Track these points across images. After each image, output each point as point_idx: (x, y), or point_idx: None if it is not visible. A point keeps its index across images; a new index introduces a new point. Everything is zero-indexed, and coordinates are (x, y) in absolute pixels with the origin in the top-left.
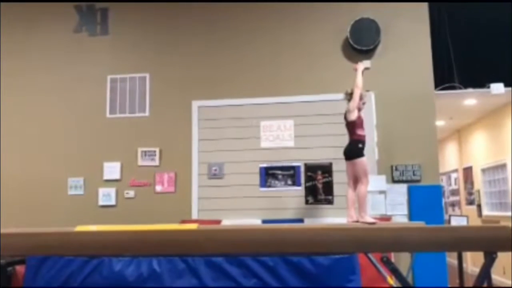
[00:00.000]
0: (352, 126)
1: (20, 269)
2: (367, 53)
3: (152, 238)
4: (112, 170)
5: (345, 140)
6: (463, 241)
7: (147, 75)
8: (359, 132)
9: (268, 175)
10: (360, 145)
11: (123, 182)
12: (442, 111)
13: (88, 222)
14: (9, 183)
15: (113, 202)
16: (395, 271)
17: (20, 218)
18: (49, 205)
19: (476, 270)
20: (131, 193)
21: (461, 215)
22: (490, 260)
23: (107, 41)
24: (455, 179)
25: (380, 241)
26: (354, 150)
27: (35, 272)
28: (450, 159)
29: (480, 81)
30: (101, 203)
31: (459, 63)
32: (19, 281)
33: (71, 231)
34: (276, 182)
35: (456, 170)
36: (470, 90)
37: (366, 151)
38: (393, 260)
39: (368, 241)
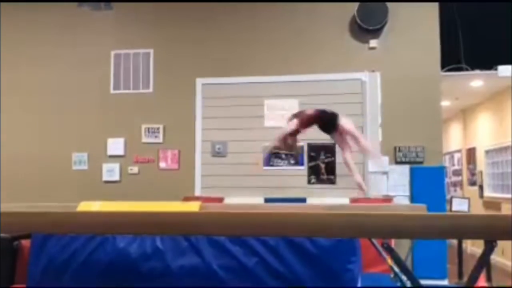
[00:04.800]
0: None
1: (25, 243)
2: (374, 33)
3: (155, 220)
4: (116, 146)
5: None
6: (464, 229)
7: (151, 51)
8: None
9: (271, 154)
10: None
11: (127, 158)
12: (448, 92)
13: (92, 197)
14: (14, 158)
15: (117, 178)
16: (395, 258)
17: (25, 192)
18: (54, 179)
19: (475, 249)
20: (135, 169)
21: (462, 197)
22: (489, 248)
23: (111, 16)
24: (458, 160)
25: (381, 228)
26: None
27: (40, 247)
28: (454, 139)
29: (487, 63)
30: (105, 178)
31: (467, 44)
32: (25, 255)
33: (73, 212)
34: (279, 161)
35: (459, 151)
36: (477, 71)
37: (370, 131)
38: (393, 242)
39: (369, 228)
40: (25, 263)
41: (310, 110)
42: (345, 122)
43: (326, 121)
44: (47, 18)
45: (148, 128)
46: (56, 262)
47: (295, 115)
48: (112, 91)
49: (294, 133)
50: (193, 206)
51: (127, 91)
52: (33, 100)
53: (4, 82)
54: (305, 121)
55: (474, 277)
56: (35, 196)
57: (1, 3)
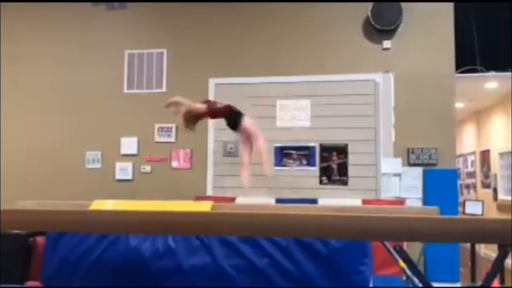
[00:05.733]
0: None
1: (40, 240)
2: (388, 34)
3: (167, 219)
4: (129, 145)
5: (362, 121)
6: (478, 233)
7: (165, 51)
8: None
9: (283, 154)
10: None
11: (140, 157)
12: (462, 94)
13: (105, 195)
14: (29, 156)
15: (129, 177)
16: (407, 261)
17: (40, 190)
18: (68, 177)
19: (489, 252)
20: (147, 168)
21: (476, 200)
22: (504, 252)
23: (125, 15)
24: (472, 162)
25: (392, 231)
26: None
27: (55, 244)
28: (467, 141)
29: (502, 65)
30: (118, 177)
31: (482, 45)
32: (40, 252)
33: (86, 210)
34: (291, 161)
35: (473, 153)
36: (492, 73)
37: (383, 132)
38: (405, 244)
39: (380, 231)
40: (40, 260)
41: (221, 104)
42: (248, 122)
43: (232, 118)
44: (62, 18)
45: (161, 128)
46: (70, 259)
47: (207, 101)
48: (125, 91)
49: (199, 116)
50: (205, 206)
51: (140, 90)
52: (47, 99)
53: (19, 81)
54: (215, 111)
55: (488, 281)
56: (49, 194)
57: (18, 3)
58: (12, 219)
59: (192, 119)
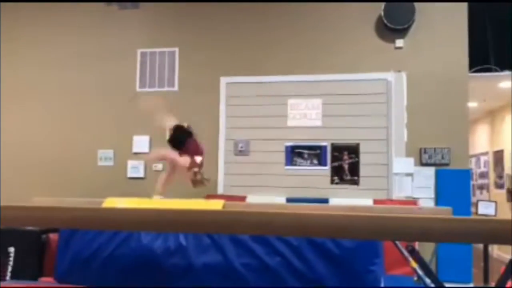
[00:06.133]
0: None
1: (53, 237)
2: (401, 33)
3: (179, 218)
4: (141, 143)
5: (374, 120)
6: (491, 233)
7: (177, 50)
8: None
9: (294, 153)
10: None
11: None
12: (475, 93)
13: (117, 193)
14: (42, 153)
15: (141, 175)
16: (420, 261)
17: (52, 187)
18: (81, 175)
19: (501, 254)
20: (159, 166)
21: (489, 201)
22: None
23: (137, 15)
24: (485, 162)
25: (406, 231)
26: None
27: (68, 241)
28: (480, 141)
29: None
30: (130, 175)
31: (496, 44)
32: (53, 248)
33: (99, 208)
34: (302, 161)
35: (486, 153)
36: (506, 72)
37: (395, 132)
38: (417, 244)
39: (393, 231)
40: (53, 256)
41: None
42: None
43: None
44: (75, 17)
45: None
46: (83, 256)
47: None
48: (138, 89)
49: (197, 166)
50: (216, 204)
51: (152, 89)
52: (61, 97)
53: (32, 81)
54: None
55: (501, 282)
56: (61, 191)
57: (30, 3)
58: (24, 215)
59: (198, 180)
